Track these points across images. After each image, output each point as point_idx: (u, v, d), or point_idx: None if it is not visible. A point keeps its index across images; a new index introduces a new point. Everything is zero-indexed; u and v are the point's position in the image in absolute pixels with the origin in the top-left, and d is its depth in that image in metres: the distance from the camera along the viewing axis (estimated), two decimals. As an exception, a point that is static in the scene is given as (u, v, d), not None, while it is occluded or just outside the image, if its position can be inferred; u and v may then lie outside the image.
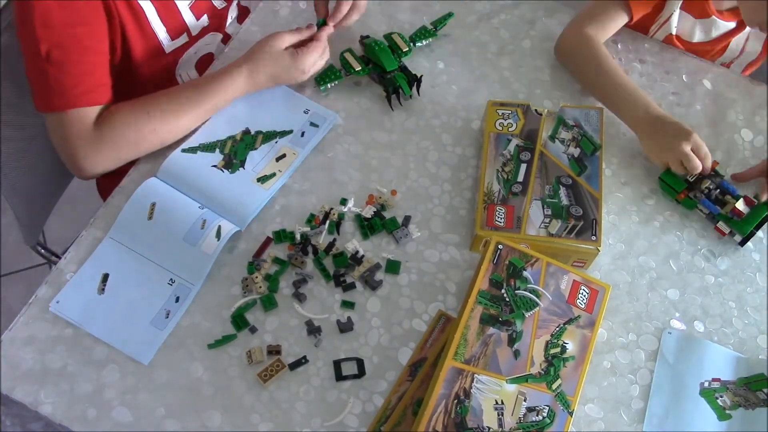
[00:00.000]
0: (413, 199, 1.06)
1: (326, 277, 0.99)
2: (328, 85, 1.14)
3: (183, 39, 1.13)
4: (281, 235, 1.01)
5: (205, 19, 1.15)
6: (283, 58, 1.07)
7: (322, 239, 1.01)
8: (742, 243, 1.06)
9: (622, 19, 1.18)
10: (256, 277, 0.97)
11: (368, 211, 1.03)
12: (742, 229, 1.04)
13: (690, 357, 0.97)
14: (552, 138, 1.07)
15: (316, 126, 1.10)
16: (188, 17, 1.12)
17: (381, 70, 1.13)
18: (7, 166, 1.13)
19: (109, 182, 1.27)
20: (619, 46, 1.24)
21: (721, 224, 1.06)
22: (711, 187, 1.07)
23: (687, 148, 1.04)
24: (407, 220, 1.04)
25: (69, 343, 0.93)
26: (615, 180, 1.11)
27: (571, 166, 1.04)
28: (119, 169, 1.06)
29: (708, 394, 0.95)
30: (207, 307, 0.96)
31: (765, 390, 0.95)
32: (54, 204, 1.36)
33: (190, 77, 1.21)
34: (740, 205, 1.05)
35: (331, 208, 1.04)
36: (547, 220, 0.99)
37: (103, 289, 0.96)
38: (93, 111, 0.99)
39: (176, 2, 1.08)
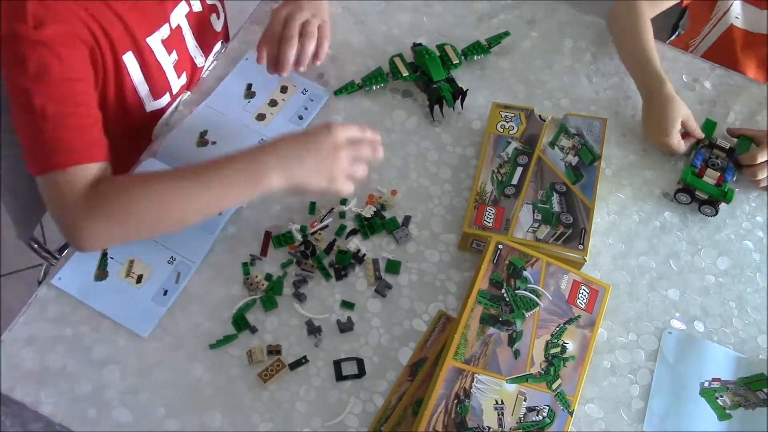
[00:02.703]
0: (413, 199, 1.06)
1: (326, 276, 0.99)
2: (374, 87, 1.14)
3: (166, 99, 1.08)
4: (280, 240, 1.01)
5: (184, 77, 1.12)
6: (313, 126, 0.96)
7: (328, 226, 1.02)
8: (676, 192, 1.08)
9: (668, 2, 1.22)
10: (257, 277, 0.97)
11: (368, 211, 1.03)
12: (686, 177, 1.06)
13: (690, 357, 0.97)
14: (552, 144, 1.07)
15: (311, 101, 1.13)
16: (171, 76, 1.07)
17: (428, 79, 1.13)
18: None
19: None
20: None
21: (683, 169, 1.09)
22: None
23: (674, 124, 1.07)
24: (407, 220, 1.04)
25: (69, 343, 0.93)
26: (615, 180, 1.11)
27: (567, 174, 1.04)
28: None
29: (708, 393, 0.95)
30: (207, 308, 0.96)
31: (765, 390, 0.95)
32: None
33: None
34: (712, 176, 1.07)
35: (332, 208, 1.04)
36: (536, 224, 0.99)
37: (105, 266, 0.97)
38: (91, 170, 0.89)
39: (160, 62, 1.03)
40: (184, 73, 1.11)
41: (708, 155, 1.09)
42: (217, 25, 1.17)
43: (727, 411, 0.94)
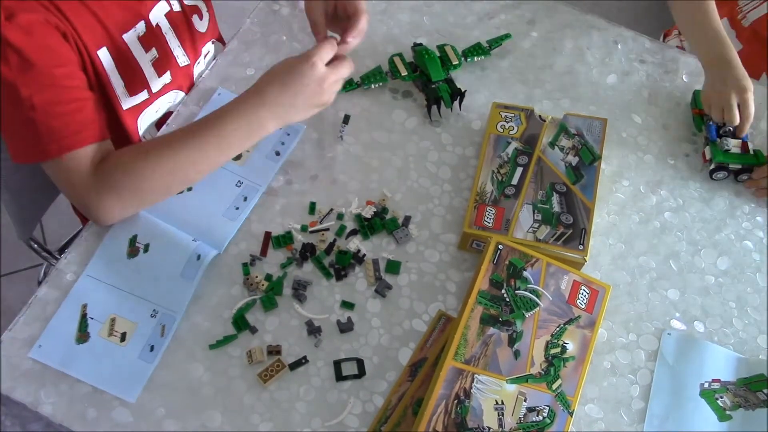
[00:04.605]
0: (413, 200, 1.06)
1: (327, 276, 0.99)
2: (372, 85, 1.14)
3: (143, 95, 1.07)
4: (280, 240, 1.01)
5: (167, 76, 1.10)
6: (293, 59, 0.93)
7: (329, 233, 1.02)
8: (711, 172, 1.11)
9: None
10: (257, 277, 0.97)
11: (368, 211, 1.03)
12: (718, 157, 1.08)
13: (690, 357, 0.97)
14: (552, 145, 1.07)
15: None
16: (149, 72, 1.06)
17: (426, 78, 1.13)
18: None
19: None
20: (619, 46, 1.24)
21: (707, 149, 1.11)
22: (727, 123, 1.11)
23: (733, 98, 1.07)
24: (407, 220, 1.04)
25: (69, 343, 0.93)
26: (615, 180, 1.11)
27: (567, 174, 1.04)
28: None
29: (708, 394, 0.95)
30: (207, 308, 0.96)
31: (765, 390, 0.95)
32: (50, 200, 1.34)
33: (152, 136, 1.12)
34: (735, 144, 1.09)
35: (331, 209, 1.04)
36: (536, 225, 0.99)
37: (86, 328, 0.93)
38: (88, 152, 0.92)
39: (137, 58, 1.03)
40: (168, 72, 1.10)
41: (717, 125, 1.12)
42: (201, 26, 1.15)
43: (727, 412, 0.94)
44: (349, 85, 1.14)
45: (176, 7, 1.09)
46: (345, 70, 0.96)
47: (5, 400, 0.90)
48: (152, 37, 1.04)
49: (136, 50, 1.02)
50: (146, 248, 0.98)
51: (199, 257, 0.96)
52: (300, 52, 1.16)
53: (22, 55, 0.85)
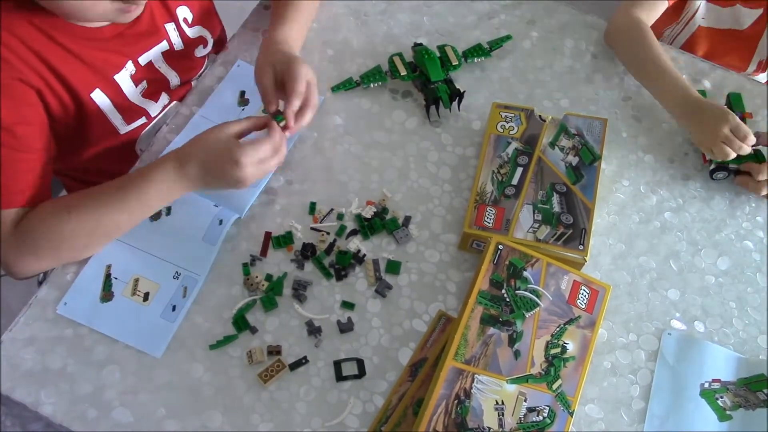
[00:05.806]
0: (413, 200, 1.06)
1: (327, 276, 0.99)
2: (371, 85, 1.14)
3: (141, 121, 1.09)
4: (280, 240, 1.01)
5: (164, 98, 1.12)
6: (220, 148, 0.88)
7: (332, 233, 1.02)
8: (711, 172, 1.10)
9: (663, 3, 1.23)
10: (257, 277, 0.97)
11: (368, 212, 1.03)
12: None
13: (690, 357, 0.97)
14: (552, 145, 1.07)
15: None
16: (143, 103, 1.08)
17: (426, 78, 1.13)
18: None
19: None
20: (619, 46, 1.24)
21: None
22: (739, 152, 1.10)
23: (726, 130, 1.04)
24: (407, 220, 1.04)
25: (69, 343, 0.93)
26: (615, 180, 1.11)
27: (567, 174, 1.04)
28: None
29: (708, 394, 0.95)
30: (207, 308, 0.96)
31: (765, 390, 0.95)
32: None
33: (147, 143, 1.12)
34: None
35: (332, 209, 1.04)
36: (536, 225, 0.99)
37: (110, 287, 0.96)
38: (15, 212, 0.92)
39: (127, 94, 1.04)
40: (163, 93, 1.11)
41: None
42: (201, 53, 1.16)
43: (728, 412, 0.94)
44: (348, 84, 1.14)
45: (178, 46, 1.10)
46: (272, 166, 0.91)
47: (5, 400, 0.90)
48: (143, 73, 1.06)
49: (127, 87, 1.04)
50: (168, 211, 1.00)
51: (221, 222, 0.99)
52: (300, 52, 1.17)
53: None
